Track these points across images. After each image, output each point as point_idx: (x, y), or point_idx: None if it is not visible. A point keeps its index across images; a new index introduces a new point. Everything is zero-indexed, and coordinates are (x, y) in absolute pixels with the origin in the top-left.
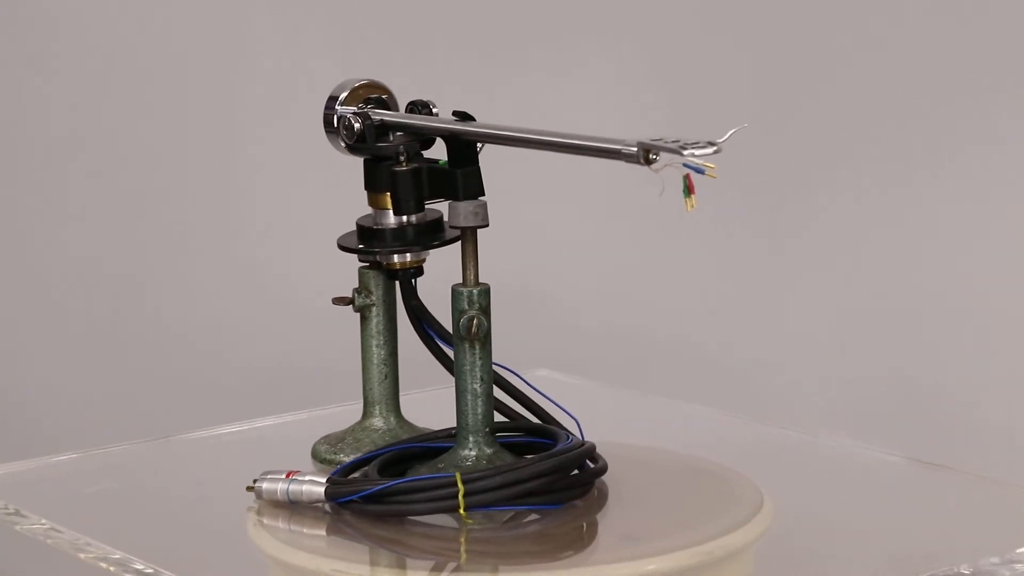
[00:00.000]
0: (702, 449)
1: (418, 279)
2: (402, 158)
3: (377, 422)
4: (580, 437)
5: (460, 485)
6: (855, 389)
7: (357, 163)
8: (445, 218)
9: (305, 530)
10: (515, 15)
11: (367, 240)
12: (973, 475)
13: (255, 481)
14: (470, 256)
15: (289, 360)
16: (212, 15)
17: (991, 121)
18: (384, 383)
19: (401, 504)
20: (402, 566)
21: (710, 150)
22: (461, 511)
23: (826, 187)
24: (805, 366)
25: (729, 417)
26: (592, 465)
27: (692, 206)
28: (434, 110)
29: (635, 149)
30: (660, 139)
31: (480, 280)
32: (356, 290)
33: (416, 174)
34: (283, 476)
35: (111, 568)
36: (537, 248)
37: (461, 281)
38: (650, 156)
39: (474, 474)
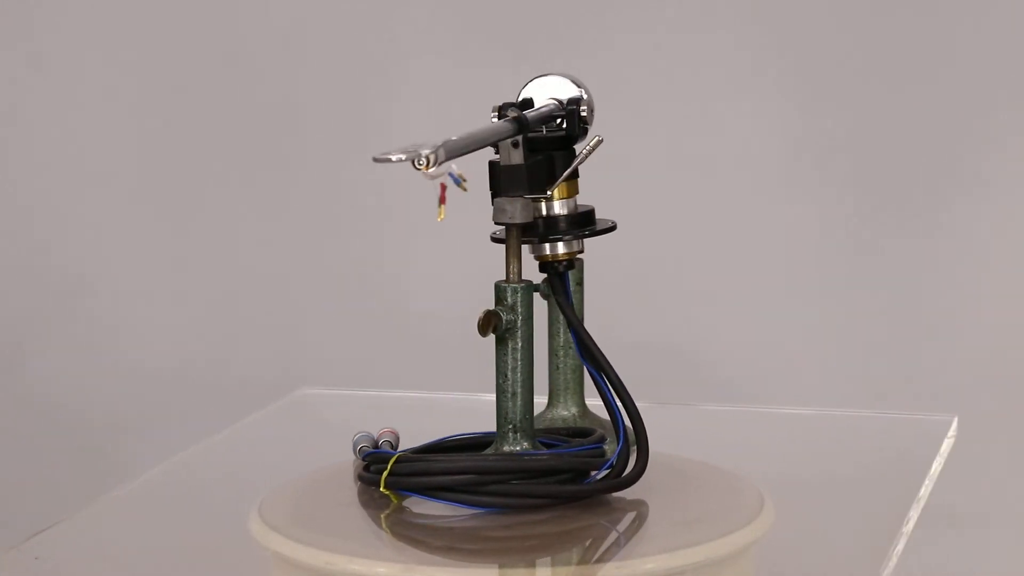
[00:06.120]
0: (703, 450)
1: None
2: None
3: (553, 411)
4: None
5: (389, 465)
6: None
7: None
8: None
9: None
10: None
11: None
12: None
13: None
14: (510, 252)
15: None
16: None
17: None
18: (556, 372)
19: (362, 473)
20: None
21: (413, 156)
22: (382, 488)
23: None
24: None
25: (730, 417)
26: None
27: (441, 216)
28: (582, 110)
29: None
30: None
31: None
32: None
33: (491, 167)
34: (375, 435)
35: None
36: None
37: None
38: (415, 163)
39: (409, 459)
